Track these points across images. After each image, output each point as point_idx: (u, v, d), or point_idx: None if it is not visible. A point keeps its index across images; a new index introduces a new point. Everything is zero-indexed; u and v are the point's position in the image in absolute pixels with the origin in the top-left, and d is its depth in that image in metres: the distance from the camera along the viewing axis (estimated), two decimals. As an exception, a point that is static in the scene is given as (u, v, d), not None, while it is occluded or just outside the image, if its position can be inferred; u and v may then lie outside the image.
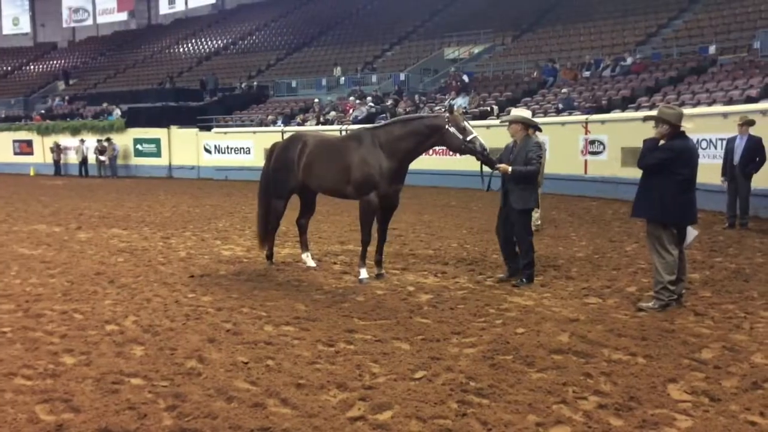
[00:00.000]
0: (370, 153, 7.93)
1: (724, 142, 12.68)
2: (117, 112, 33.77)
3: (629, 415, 4.24)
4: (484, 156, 7.67)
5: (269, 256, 9.22)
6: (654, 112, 6.99)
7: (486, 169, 7.94)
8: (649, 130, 6.80)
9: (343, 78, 33.95)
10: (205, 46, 48.27)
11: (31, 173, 33.14)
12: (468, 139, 7.65)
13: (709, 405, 4.37)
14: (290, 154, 8.66)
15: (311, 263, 9.01)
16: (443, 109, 22.70)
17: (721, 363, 5.09)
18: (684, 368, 5.01)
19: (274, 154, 8.96)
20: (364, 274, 8.13)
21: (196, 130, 30.16)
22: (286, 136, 25.67)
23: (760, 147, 11.65)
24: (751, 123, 11.81)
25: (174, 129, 30.66)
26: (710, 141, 14.44)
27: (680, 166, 6.49)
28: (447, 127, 7.74)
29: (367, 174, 7.91)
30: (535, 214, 11.99)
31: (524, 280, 7.82)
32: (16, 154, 35.67)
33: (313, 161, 8.44)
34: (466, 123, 7.83)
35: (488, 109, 23.72)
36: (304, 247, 9.21)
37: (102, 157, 30.67)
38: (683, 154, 6.52)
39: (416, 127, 7.93)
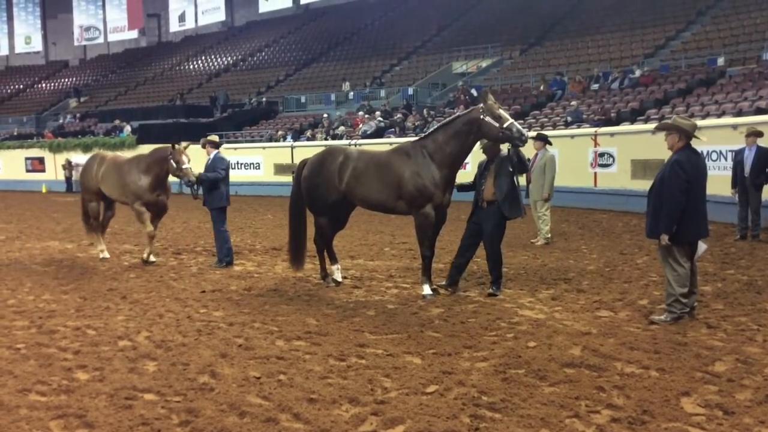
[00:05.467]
0: (421, 165, 7.85)
1: (733, 154, 12.65)
2: (128, 128, 34.05)
3: (642, 428, 4.22)
4: (522, 142, 7.55)
5: (324, 276, 8.89)
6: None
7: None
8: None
9: (351, 93, 34.14)
10: (215, 63, 48.71)
11: (44, 190, 33.39)
12: (505, 126, 7.49)
13: (723, 418, 4.34)
14: (329, 168, 8.34)
15: (338, 277, 8.84)
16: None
17: (734, 376, 5.06)
18: (697, 381, 4.99)
19: (306, 169, 8.61)
20: (427, 290, 7.99)
21: (206, 146, 30.36)
22: (295, 151, 26.46)
23: None
24: (759, 134, 11.76)
25: (184, 145, 30.86)
26: (720, 153, 14.42)
27: (694, 185, 6.50)
28: (482, 117, 7.60)
29: (421, 186, 7.80)
30: (545, 227, 11.99)
31: (497, 288, 8.06)
32: (28, 171, 36.05)
33: (359, 176, 8.19)
34: (501, 110, 7.65)
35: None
36: (333, 260, 8.99)
37: None
38: (700, 175, 6.54)
39: (456, 127, 7.83)
